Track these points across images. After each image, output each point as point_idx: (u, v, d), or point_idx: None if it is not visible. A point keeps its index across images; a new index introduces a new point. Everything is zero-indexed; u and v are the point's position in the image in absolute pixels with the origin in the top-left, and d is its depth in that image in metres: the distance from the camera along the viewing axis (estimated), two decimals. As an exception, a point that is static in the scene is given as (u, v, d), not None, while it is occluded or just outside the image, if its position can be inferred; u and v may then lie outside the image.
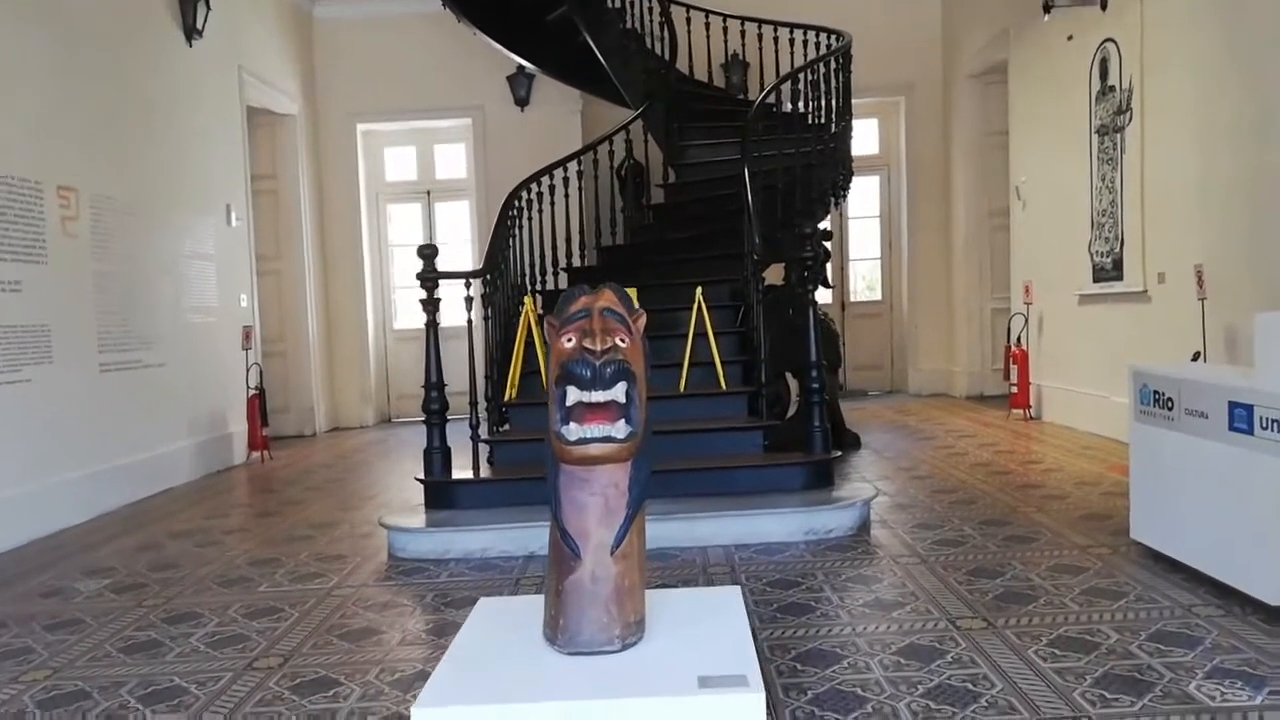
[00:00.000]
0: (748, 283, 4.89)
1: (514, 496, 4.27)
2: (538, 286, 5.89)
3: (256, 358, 7.35)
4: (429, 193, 9.73)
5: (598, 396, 1.73)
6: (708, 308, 4.82)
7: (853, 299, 10.08)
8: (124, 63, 5.94)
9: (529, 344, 4.92)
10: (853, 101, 6.82)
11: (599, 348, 1.73)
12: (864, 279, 10.22)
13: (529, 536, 3.93)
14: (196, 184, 6.80)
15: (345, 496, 5.59)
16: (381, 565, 3.97)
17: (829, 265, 6.33)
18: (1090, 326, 6.64)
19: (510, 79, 9.01)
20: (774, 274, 5.88)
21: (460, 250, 9.35)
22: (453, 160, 9.69)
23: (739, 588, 1.96)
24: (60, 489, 5.03)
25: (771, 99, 5.91)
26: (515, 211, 5.59)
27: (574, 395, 1.76)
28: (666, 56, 7.05)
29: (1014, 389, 7.47)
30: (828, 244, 6.20)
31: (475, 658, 1.75)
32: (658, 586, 3.29)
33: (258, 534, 4.71)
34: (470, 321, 4.59)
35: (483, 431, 4.78)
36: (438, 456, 4.40)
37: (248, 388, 7.10)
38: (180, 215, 6.54)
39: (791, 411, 5.65)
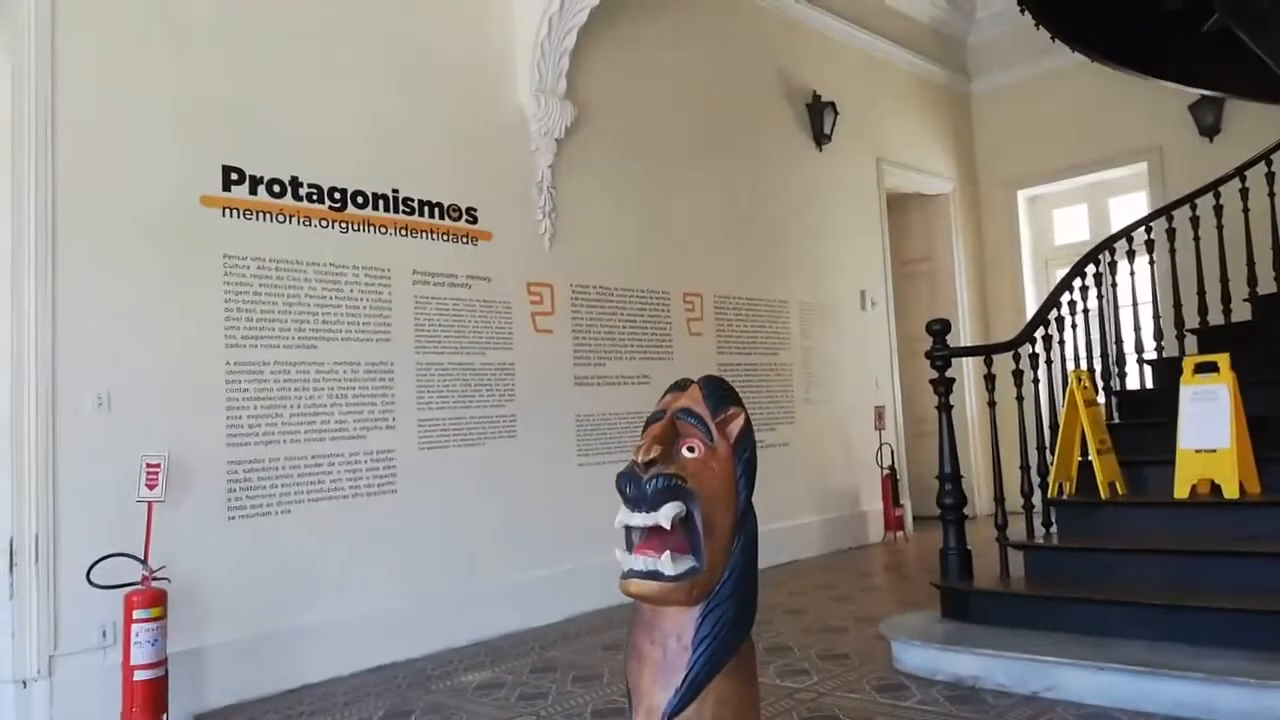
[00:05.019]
0: None
1: (1039, 618, 3.51)
2: (1144, 355, 4.78)
3: (891, 437, 7.42)
4: (1103, 252, 8.66)
5: (637, 519, 1.43)
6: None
7: None
8: (753, 175, 6.70)
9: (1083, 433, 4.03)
10: None
11: (642, 458, 1.44)
12: None
13: (1034, 672, 3.20)
14: (827, 275, 7.24)
15: (920, 588, 5.23)
16: (869, 676, 3.63)
17: None
18: None
19: (1193, 108, 7.60)
20: None
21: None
22: (1129, 212, 8.47)
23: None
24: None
25: None
26: (1106, 265, 4.67)
27: (621, 515, 1.50)
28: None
29: None
30: None
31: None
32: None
33: (810, 617, 4.72)
34: (993, 404, 3.98)
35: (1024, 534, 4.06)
36: (954, 559, 3.87)
37: (880, 467, 7.21)
38: (807, 306, 7.03)
39: None
